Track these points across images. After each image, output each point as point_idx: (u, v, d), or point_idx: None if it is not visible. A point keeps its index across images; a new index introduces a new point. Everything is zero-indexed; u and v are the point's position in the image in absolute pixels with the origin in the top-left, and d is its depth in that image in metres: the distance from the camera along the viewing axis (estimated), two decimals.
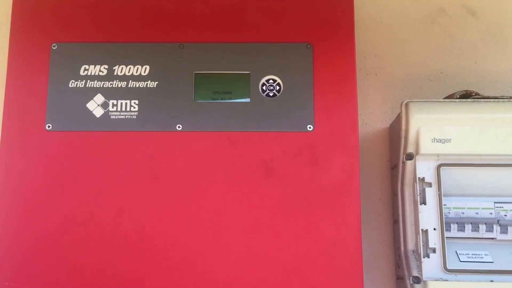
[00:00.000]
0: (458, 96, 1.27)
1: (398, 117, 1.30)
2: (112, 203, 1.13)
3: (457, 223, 1.19)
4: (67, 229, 1.12)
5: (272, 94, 1.18)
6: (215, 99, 1.18)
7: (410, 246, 1.20)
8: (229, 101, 1.18)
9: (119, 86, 1.18)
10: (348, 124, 1.16)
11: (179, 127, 1.16)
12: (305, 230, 1.12)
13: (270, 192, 1.14)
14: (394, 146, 1.37)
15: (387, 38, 1.50)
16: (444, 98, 1.32)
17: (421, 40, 1.50)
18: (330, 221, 1.12)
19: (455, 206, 1.20)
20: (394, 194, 1.36)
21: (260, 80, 1.19)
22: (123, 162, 1.15)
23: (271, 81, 1.19)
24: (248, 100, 1.18)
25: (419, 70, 1.49)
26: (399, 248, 1.27)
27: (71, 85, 1.18)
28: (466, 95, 1.27)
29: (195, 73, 1.19)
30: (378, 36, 1.50)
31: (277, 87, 1.18)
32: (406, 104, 1.21)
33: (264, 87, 1.18)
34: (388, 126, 1.45)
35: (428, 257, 1.15)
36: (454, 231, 1.18)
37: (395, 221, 1.35)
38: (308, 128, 1.16)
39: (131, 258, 1.11)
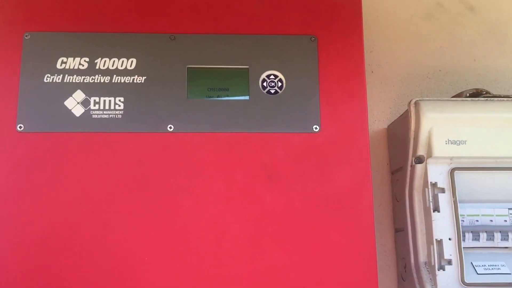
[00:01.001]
0: (467, 95, 1.23)
1: (402, 117, 1.26)
2: (95, 214, 1.06)
3: (471, 232, 1.12)
4: (42, 244, 1.04)
5: (274, 91, 1.13)
6: (210, 97, 1.12)
7: (422, 257, 1.17)
8: (226, 98, 1.12)
9: (102, 81, 1.12)
10: (358, 124, 1.12)
11: (170, 127, 1.10)
12: (312, 242, 1.06)
13: (273, 199, 1.07)
14: (395, 149, 1.32)
15: (384, 34, 1.52)
16: (453, 97, 1.26)
17: (418, 37, 1.52)
18: (340, 232, 1.06)
19: (469, 213, 1.14)
20: (396, 200, 1.30)
21: (260, 76, 1.13)
22: (107, 167, 1.08)
23: (272, 76, 1.13)
24: (247, 97, 1.13)
25: (417, 67, 1.50)
26: (404, 259, 1.22)
27: (47, 80, 1.11)
28: (476, 94, 1.25)
29: (188, 68, 1.13)
30: (374, 32, 1.51)
31: (279, 84, 1.13)
32: (416, 103, 1.17)
33: (264, 84, 1.13)
34: (386, 126, 1.39)
35: (443, 270, 1.12)
36: (469, 241, 1.14)
37: (398, 229, 1.29)
38: (314, 129, 1.10)
39: (117, 275, 1.03)
